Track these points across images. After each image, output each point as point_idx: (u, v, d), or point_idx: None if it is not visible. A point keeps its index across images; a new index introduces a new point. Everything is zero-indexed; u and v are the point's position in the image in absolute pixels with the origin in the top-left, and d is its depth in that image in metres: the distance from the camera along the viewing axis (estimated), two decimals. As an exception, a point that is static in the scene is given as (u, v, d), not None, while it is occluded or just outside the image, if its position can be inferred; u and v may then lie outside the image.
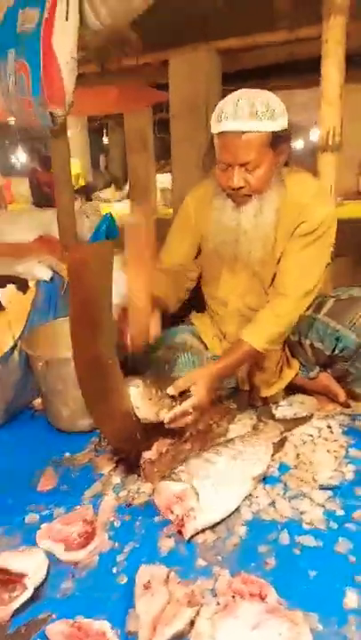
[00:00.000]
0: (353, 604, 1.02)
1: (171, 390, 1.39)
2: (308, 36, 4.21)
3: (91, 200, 8.52)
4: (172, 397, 1.41)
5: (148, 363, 1.57)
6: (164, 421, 1.38)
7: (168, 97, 4.99)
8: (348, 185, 8.32)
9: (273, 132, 1.35)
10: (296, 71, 5.64)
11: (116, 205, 8.26)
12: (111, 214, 2.73)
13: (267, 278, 1.63)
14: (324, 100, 2.10)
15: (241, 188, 1.42)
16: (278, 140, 1.38)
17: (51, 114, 2.45)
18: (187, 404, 1.39)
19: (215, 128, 1.39)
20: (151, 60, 5.03)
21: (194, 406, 1.40)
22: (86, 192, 9.12)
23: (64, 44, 2.36)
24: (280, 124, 1.36)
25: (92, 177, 11.09)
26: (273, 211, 1.47)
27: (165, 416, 1.37)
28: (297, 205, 1.50)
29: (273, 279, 1.62)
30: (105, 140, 11.59)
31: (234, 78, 5.59)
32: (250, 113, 1.32)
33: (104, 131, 11.12)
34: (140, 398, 1.37)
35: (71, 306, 1.19)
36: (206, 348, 1.83)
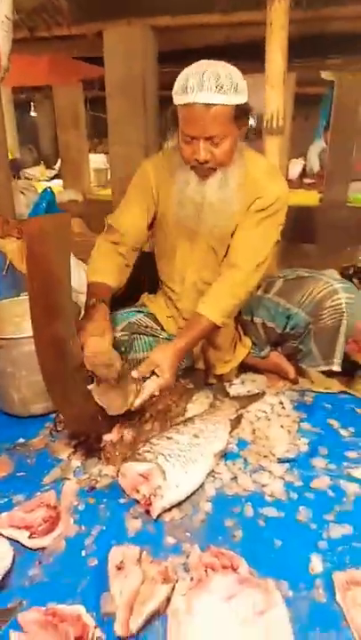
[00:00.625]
0: (318, 569, 1.08)
1: (135, 374, 1.37)
2: (246, 20, 4.24)
3: (19, 178, 8.09)
4: (135, 380, 1.38)
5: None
6: (133, 408, 1.35)
7: (101, 72, 4.82)
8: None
9: (237, 105, 1.35)
10: (233, 56, 5.68)
11: (47, 184, 7.90)
12: (51, 189, 2.60)
13: (222, 252, 1.63)
14: (268, 83, 2.14)
15: (207, 161, 1.41)
16: (241, 113, 1.37)
17: (-16, 78, 2.28)
18: (153, 387, 1.38)
19: (180, 99, 1.35)
20: (85, 32, 4.83)
21: (160, 388, 1.39)
22: (14, 169, 8.62)
23: (-1, 2, 2.19)
24: (243, 97, 1.36)
25: (20, 153, 10.52)
26: (236, 184, 1.47)
27: (135, 402, 1.35)
28: (254, 181, 1.51)
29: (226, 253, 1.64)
30: (33, 114, 11.01)
31: (170, 59, 5.53)
32: (216, 86, 1.29)
33: (31, 104, 10.54)
34: (101, 394, 1.33)
35: (30, 281, 1.12)
36: (162, 328, 1.81)
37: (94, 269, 1.62)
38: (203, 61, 1.36)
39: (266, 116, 2.17)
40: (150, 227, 1.69)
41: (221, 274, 1.60)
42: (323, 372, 1.87)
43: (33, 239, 1.07)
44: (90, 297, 1.54)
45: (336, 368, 1.65)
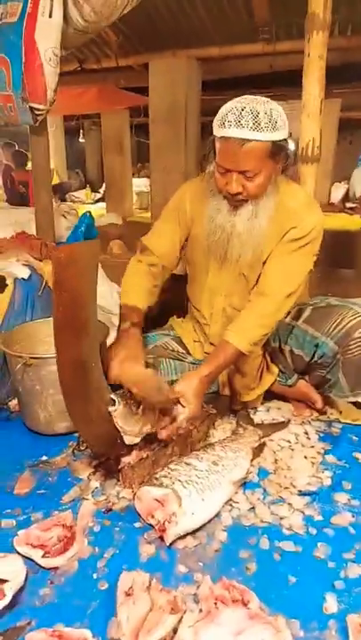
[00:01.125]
0: (333, 609, 1.04)
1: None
2: (287, 49, 4.32)
3: (65, 200, 8.42)
4: (153, 410, 1.39)
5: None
6: (160, 437, 1.37)
7: (146, 101, 5.00)
8: (320, 197, 8.51)
9: (273, 141, 1.36)
10: (274, 84, 5.76)
11: (91, 207, 8.17)
12: (90, 213, 2.69)
13: (253, 280, 1.64)
14: (305, 112, 2.15)
15: (238, 193, 1.43)
16: (278, 149, 1.39)
17: (31, 110, 2.41)
18: (181, 419, 1.39)
19: (217, 132, 1.38)
20: (131, 63, 5.04)
21: (187, 419, 1.40)
22: (61, 192, 9.00)
23: (46, 39, 2.33)
24: (281, 134, 1.37)
25: (68, 177, 10.96)
26: (267, 217, 1.49)
27: (161, 433, 1.37)
28: (288, 211, 1.52)
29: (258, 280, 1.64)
30: (81, 140, 11.48)
31: (213, 86, 5.67)
32: (253, 123, 1.32)
33: (80, 131, 11.01)
34: (121, 417, 1.34)
35: (56, 305, 1.16)
36: (188, 352, 1.82)
37: (127, 291, 1.66)
38: (246, 96, 1.40)
39: (301, 144, 2.18)
40: (182, 249, 1.73)
41: (251, 301, 1.60)
42: (352, 403, 1.83)
43: (60, 266, 1.12)
44: (123, 320, 1.58)
45: None
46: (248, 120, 1.32)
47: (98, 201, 9.83)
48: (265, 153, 1.37)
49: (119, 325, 1.60)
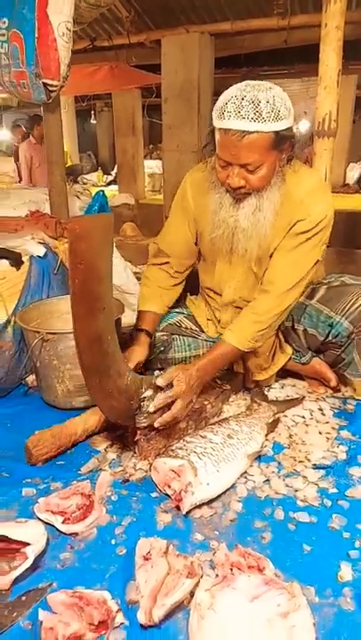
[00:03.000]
0: (348, 577, 1.05)
1: (159, 381, 1.36)
2: (302, 23, 4.21)
3: (77, 183, 8.39)
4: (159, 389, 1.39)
5: None
6: (149, 410, 1.35)
7: (159, 80, 4.92)
8: (335, 177, 8.38)
9: (277, 132, 1.28)
10: (289, 60, 5.63)
11: (103, 189, 8.14)
12: (103, 192, 2.67)
13: (260, 272, 1.60)
14: (322, 85, 2.10)
15: (240, 187, 1.37)
16: (282, 139, 1.31)
17: (45, 86, 2.40)
18: (166, 394, 1.36)
19: (217, 122, 1.30)
20: (143, 40, 4.96)
21: (174, 396, 1.36)
22: (73, 174, 8.97)
23: (59, 13, 2.30)
24: (285, 123, 1.29)
25: (80, 159, 10.91)
26: (272, 210, 1.42)
27: (150, 406, 1.35)
28: (294, 202, 1.45)
29: None
30: (93, 122, 11.39)
31: (226, 64, 5.56)
32: (254, 113, 1.23)
33: (92, 112, 10.91)
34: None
35: (72, 278, 1.16)
36: (202, 330, 1.83)
37: (142, 298, 1.70)
38: (247, 82, 1.30)
39: (317, 118, 2.14)
40: (197, 242, 1.70)
41: (255, 297, 1.57)
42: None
43: (74, 237, 1.12)
44: (135, 325, 1.65)
45: None
46: (249, 110, 1.23)
47: (110, 183, 9.79)
48: (268, 144, 1.28)
49: (132, 333, 1.66)
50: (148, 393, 1.37)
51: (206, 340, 1.82)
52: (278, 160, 1.37)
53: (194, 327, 1.84)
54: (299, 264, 1.51)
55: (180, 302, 1.91)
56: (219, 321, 1.79)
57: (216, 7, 4.43)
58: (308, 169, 1.54)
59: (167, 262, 1.69)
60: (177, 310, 1.86)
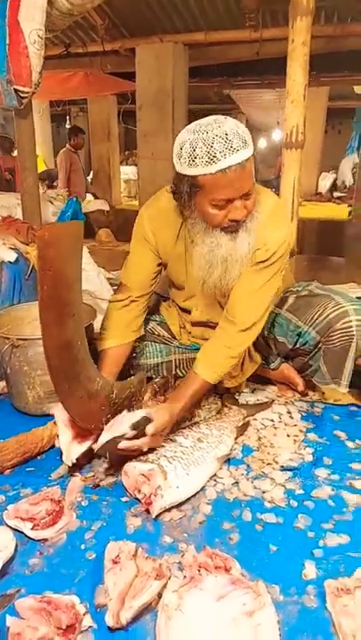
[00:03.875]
0: (311, 576, 1.08)
1: (149, 429, 1.32)
2: (274, 36, 4.31)
3: (53, 188, 8.33)
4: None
5: None
6: (119, 447, 1.32)
7: (134, 87, 4.96)
8: (308, 186, 8.56)
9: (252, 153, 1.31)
10: (261, 71, 5.75)
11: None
12: (77, 198, 2.68)
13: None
14: (289, 98, 2.17)
15: (244, 217, 1.36)
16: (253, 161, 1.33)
17: (16, 92, 2.40)
18: (137, 442, 1.32)
19: (208, 169, 1.25)
20: (118, 48, 4.99)
21: (143, 443, 1.33)
22: (48, 179, 8.90)
23: (31, 20, 2.31)
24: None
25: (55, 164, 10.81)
26: (257, 229, 1.41)
27: (121, 444, 1.31)
28: (259, 224, 1.42)
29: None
30: (68, 126, 11.32)
31: (200, 73, 5.64)
32: (241, 141, 1.25)
33: (67, 117, 10.86)
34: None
35: (40, 284, 1.17)
36: (174, 337, 1.85)
37: (103, 337, 1.62)
38: (203, 122, 1.28)
39: (286, 130, 2.20)
40: (159, 270, 1.67)
41: (220, 326, 1.56)
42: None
43: (43, 244, 1.13)
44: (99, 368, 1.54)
45: (343, 390, 1.67)
46: (237, 141, 1.24)
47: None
48: (252, 166, 1.31)
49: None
50: (130, 434, 1.31)
51: (178, 347, 1.85)
52: None
53: (166, 334, 1.86)
54: (261, 295, 1.51)
55: (154, 309, 1.93)
56: (190, 332, 1.82)
57: (190, 17, 4.50)
58: (263, 188, 1.51)
59: (128, 295, 1.63)
60: (150, 317, 1.88)
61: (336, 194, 8.78)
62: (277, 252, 1.46)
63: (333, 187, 9.11)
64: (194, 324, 1.77)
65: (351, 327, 1.58)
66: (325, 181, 9.08)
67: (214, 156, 1.24)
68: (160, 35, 4.64)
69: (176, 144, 1.33)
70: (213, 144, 1.24)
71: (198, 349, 1.75)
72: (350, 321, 1.58)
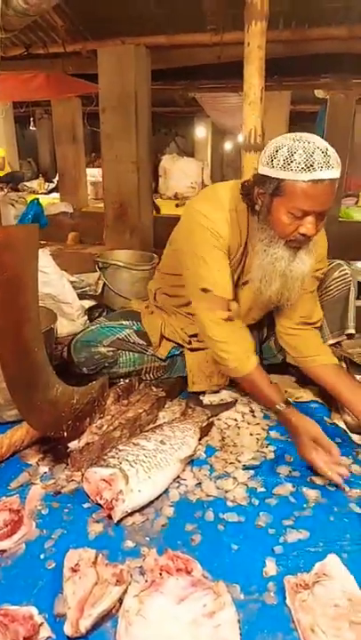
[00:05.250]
0: (272, 572, 1.09)
1: None
2: (235, 40, 4.35)
3: (18, 190, 8.20)
4: None
5: None
6: None
7: (97, 89, 4.92)
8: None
9: None
10: (225, 75, 5.81)
11: (45, 197, 7.99)
12: (38, 201, 2.65)
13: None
14: (247, 101, 2.21)
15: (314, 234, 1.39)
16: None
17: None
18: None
19: (303, 176, 1.27)
20: (79, 49, 4.95)
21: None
22: (13, 181, 8.76)
23: (-14, 22, 2.27)
24: None
25: (20, 166, 10.66)
26: (314, 253, 1.47)
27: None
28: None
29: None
30: (32, 128, 11.18)
31: (164, 77, 5.65)
32: (337, 162, 1.29)
33: (31, 119, 10.71)
34: None
35: (-6, 289, 1.15)
36: (149, 345, 1.84)
37: (248, 352, 1.55)
38: (302, 134, 1.33)
39: (244, 133, 2.23)
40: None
41: (301, 334, 1.71)
42: (297, 381, 1.91)
43: (-3, 248, 1.11)
44: (269, 393, 1.52)
45: (352, 330, 1.80)
46: (334, 159, 1.28)
47: (52, 191, 9.62)
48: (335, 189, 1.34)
49: (269, 402, 1.51)
50: None
51: (153, 356, 1.84)
52: None
53: (141, 342, 1.83)
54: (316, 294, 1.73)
55: (130, 316, 1.90)
56: (189, 341, 1.82)
57: (152, 20, 4.50)
58: None
59: (231, 308, 1.56)
60: (126, 324, 1.84)
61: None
62: (324, 261, 1.69)
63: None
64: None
65: (348, 274, 1.76)
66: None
67: (312, 165, 1.26)
68: (122, 37, 4.62)
69: (270, 146, 1.34)
70: (314, 154, 1.26)
71: (172, 357, 1.81)
72: (345, 269, 1.75)
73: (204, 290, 1.52)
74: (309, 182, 1.28)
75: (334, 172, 1.28)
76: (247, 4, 2.01)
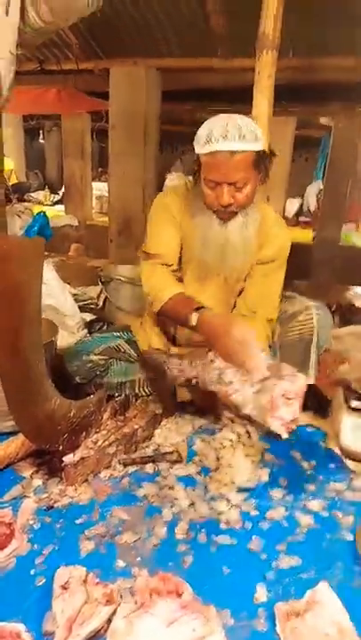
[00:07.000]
0: (262, 599, 1.09)
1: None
2: (243, 66, 4.45)
3: (24, 201, 8.27)
4: None
5: None
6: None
7: (107, 106, 5.01)
8: (275, 211, 8.73)
9: (256, 152, 1.44)
10: (232, 99, 5.92)
11: (50, 209, 8.06)
12: (44, 213, 2.68)
13: (235, 290, 1.74)
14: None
15: (230, 205, 1.49)
16: (260, 159, 1.47)
17: (-15, 107, 2.38)
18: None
19: (203, 148, 1.44)
20: (92, 67, 5.05)
21: None
22: (19, 191, 8.84)
23: (2, 37, 2.32)
24: (261, 144, 1.46)
25: (27, 177, 10.77)
26: (254, 229, 1.56)
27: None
28: (266, 226, 1.63)
29: (239, 293, 1.75)
30: (41, 140, 11.32)
31: (173, 98, 5.75)
32: (238, 135, 1.40)
33: (40, 131, 10.86)
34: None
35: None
36: (139, 355, 1.84)
37: (165, 286, 1.63)
38: (222, 114, 1.47)
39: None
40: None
41: (245, 315, 1.70)
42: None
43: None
44: (184, 310, 1.53)
45: (312, 381, 1.70)
46: (234, 133, 1.40)
47: (57, 203, 9.71)
48: (250, 163, 1.45)
49: (185, 316, 1.51)
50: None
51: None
52: (257, 180, 1.51)
53: (133, 352, 1.85)
54: (273, 290, 1.71)
55: (123, 329, 1.92)
56: (174, 337, 1.81)
57: (163, 43, 4.61)
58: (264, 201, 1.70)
59: (162, 262, 1.67)
60: (117, 334, 1.87)
61: (302, 218, 9.04)
62: (284, 252, 1.69)
63: (299, 211, 9.37)
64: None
65: (312, 318, 1.69)
66: (292, 206, 9.33)
67: (210, 139, 1.42)
68: (134, 57, 4.73)
69: None
70: (214, 129, 1.41)
71: None
72: (311, 313, 1.69)
73: (147, 253, 1.70)
74: (209, 154, 1.44)
75: (232, 144, 1.40)
76: (260, 34, 2.06)
